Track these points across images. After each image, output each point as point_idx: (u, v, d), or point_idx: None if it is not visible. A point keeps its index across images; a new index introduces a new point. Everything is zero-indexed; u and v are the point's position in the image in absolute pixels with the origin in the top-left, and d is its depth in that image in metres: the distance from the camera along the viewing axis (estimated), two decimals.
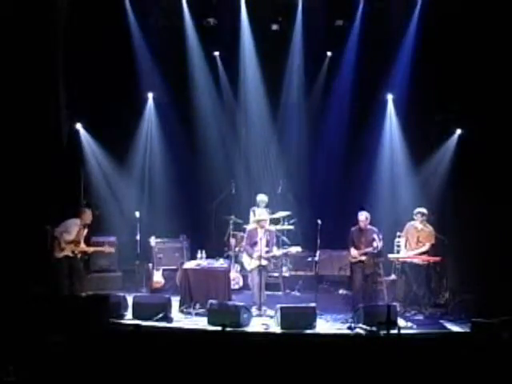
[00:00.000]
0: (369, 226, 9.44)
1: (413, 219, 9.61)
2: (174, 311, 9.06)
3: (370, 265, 9.34)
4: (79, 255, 9.65)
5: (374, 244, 9.17)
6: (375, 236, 9.23)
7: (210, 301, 8.64)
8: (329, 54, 11.67)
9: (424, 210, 9.55)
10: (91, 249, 9.87)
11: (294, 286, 10.87)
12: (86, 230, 9.75)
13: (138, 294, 9.68)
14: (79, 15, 10.52)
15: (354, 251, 9.42)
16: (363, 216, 9.41)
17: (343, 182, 11.58)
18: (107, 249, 9.88)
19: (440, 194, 10.51)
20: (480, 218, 9.65)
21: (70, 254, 9.57)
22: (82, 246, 9.69)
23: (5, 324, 6.53)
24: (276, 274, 10.79)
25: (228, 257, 10.76)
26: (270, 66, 11.49)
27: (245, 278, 10.37)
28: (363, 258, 9.35)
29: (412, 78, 10.81)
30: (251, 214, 10.80)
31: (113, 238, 11.03)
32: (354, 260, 9.44)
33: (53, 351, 5.73)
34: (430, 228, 9.52)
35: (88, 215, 9.71)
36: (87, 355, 5.66)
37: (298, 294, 10.72)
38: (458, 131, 10.69)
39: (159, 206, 11.62)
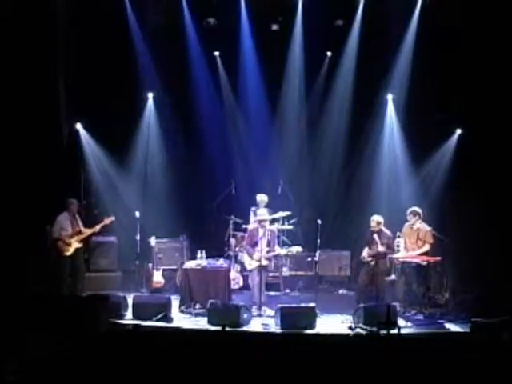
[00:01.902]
0: (384, 230, 9.44)
1: (407, 220, 9.61)
2: (174, 311, 9.06)
3: (378, 267, 9.36)
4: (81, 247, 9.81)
5: (380, 248, 9.27)
6: (385, 240, 9.31)
7: (210, 301, 8.64)
8: (329, 54, 11.67)
9: (417, 209, 9.54)
10: (96, 227, 9.94)
11: (294, 286, 10.87)
12: (78, 218, 9.88)
13: (138, 294, 9.70)
14: (79, 15, 10.53)
15: (364, 251, 9.46)
16: (373, 221, 9.41)
17: (343, 181, 11.59)
18: (108, 220, 9.97)
19: (440, 194, 10.51)
20: (480, 217, 9.66)
21: (79, 245, 9.75)
22: (85, 231, 9.84)
23: (5, 324, 6.53)
24: (276, 274, 10.79)
25: (228, 257, 10.75)
26: (270, 66, 11.49)
27: (245, 278, 10.37)
28: (370, 259, 9.36)
29: (412, 77, 10.82)
30: (251, 214, 10.80)
31: (113, 238, 11.07)
32: (363, 260, 9.49)
33: (53, 351, 5.73)
34: (427, 227, 9.51)
35: (75, 206, 9.85)
36: (87, 355, 5.66)
37: (297, 294, 10.72)
38: (458, 131, 10.70)
39: (159, 206, 11.60)
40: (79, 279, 9.87)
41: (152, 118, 11.81)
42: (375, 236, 9.36)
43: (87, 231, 9.89)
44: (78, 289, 9.74)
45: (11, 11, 9.61)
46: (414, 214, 9.48)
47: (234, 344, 6.09)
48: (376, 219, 9.43)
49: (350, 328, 8.32)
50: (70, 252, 9.66)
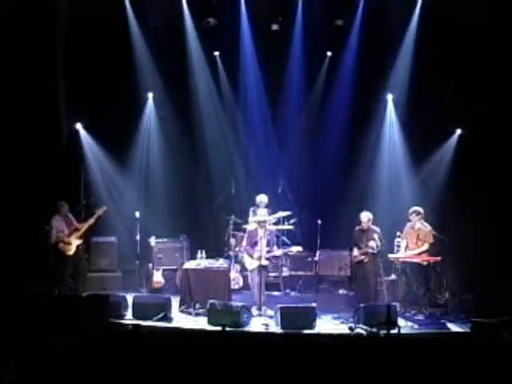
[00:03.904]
0: (372, 227, 9.47)
1: (409, 220, 9.61)
2: (174, 311, 9.07)
3: (371, 264, 9.37)
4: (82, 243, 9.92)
5: (370, 243, 9.27)
6: (375, 236, 9.28)
7: (210, 301, 8.64)
8: (329, 53, 11.67)
9: (419, 209, 9.54)
10: (91, 221, 10.00)
11: (294, 286, 10.87)
12: (71, 217, 9.97)
13: (138, 294, 9.70)
14: (79, 15, 10.53)
15: (355, 251, 9.49)
16: (365, 217, 9.47)
17: (343, 181, 11.57)
18: (100, 211, 10.05)
19: (440, 194, 10.51)
20: (480, 217, 9.65)
21: (80, 242, 9.87)
22: (80, 226, 9.93)
23: (5, 324, 6.53)
24: (276, 274, 10.79)
25: (228, 257, 10.75)
26: (270, 65, 11.49)
27: (245, 278, 10.36)
28: (363, 257, 9.42)
29: (412, 78, 10.81)
30: (251, 213, 10.79)
31: (113, 238, 11.07)
32: (355, 259, 9.52)
33: (53, 351, 5.72)
34: (428, 227, 9.51)
35: (65, 207, 9.95)
36: (87, 355, 5.66)
37: (298, 294, 10.71)
38: (458, 131, 10.69)
39: (159, 206, 11.60)
40: (81, 280, 9.90)
41: (152, 118, 11.81)
42: (366, 234, 9.38)
43: (83, 226, 9.95)
44: (79, 289, 9.77)
45: (11, 11, 9.61)
46: (417, 213, 9.48)
47: (234, 344, 6.09)
48: (368, 216, 9.45)
49: (351, 328, 8.32)
50: (72, 251, 9.74)
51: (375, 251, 9.31)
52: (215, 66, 11.73)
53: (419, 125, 10.90)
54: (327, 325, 8.68)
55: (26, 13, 9.75)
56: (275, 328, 8.46)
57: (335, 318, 8.96)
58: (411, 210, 9.58)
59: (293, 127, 11.88)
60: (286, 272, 10.99)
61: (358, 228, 9.60)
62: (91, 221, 10.00)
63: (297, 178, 11.81)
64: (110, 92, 10.90)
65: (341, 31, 11.23)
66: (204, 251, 9.97)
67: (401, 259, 9.58)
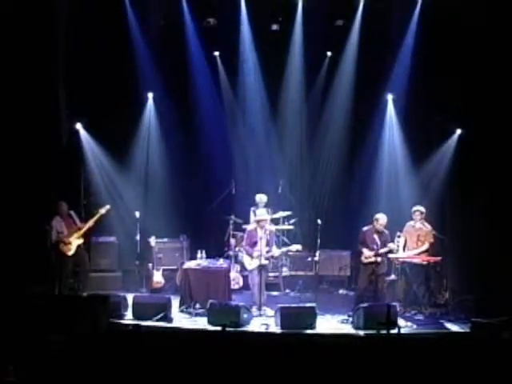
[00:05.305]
0: (384, 229, 9.42)
1: (411, 219, 9.61)
2: (174, 311, 9.07)
3: (382, 265, 9.34)
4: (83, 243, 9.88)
5: (392, 245, 9.22)
6: (388, 238, 9.28)
7: (210, 301, 8.64)
8: (329, 53, 11.67)
9: (422, 208, 9.54)
10: (90, 222, 9.96)
11: (294, 285, 10.86)
12: (74, 216, 9.96)
13: (138, 294, 9.70)
14: (79, 15, 10.53)
15: (368, 252, 9.23)
16: (383, 219, 9.26)
17: (343, 181, 11.58)
18: (103, 210, 10.01)
19: (440, 194, 10.50)
20: (480, 217, 9.65)
21: (80, 241, 9.85)
22: (82, 226, 9.91)
23: (5, 324, 6.54)
24: (276, 274, 10.79)
25: (228, 257, 10.75)
26: (270, 65, 11.49)
27: (245, 278, 10.36)
28: (378, 259, 9.20)
29: (412, 78, 10.81)
30: (251, 214, 10.80)
31: (113, 238, 11.07)
32: (366, 261, 9.27)
33: (53, 351, 5.72)
34: (428, 227, 9.51)
35: (64, 207, 9.92)
36: (87, 355, 5.66)
37: (297, 294, 10.71)
38: (458, 131, 10.69)
39: (159, 206, 11.59)
40: (82, 280, 9.91)
41: (152, 118, 11.79)
42: (375, 236, 9.31)
43: (85, 225, 9.93)
44: (80, 289, 9.77)
45: (11, 11, 9.61)
46: (420, 212, 9.48)
47: (233, 344, 6.09)
48: (385, 218, 9.31)
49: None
50: (71, 251, 9.72)
51: (393, 252, 9.33)
52: (215, 65, 11.73)
53: (419, 125, 10.89)
54: (327, 325, 8.67)
55: (26, 13, 9.75)
56: (275, 328, 8.46)
57: (335, 318, 8.96)
58: (415, 208, 9.57)
59: (293, 127, 11.88)
60: (285, 272, 11.00)
61: (368, 228, 9.33)
62: (93, 220, 9.97)
63: (297, 177, 11.81)
64: (109, 92, 10.90)
65: (341, 31, 11.23)
66: (204, 251, 9.97)
67: (401, 259, 9.58)
